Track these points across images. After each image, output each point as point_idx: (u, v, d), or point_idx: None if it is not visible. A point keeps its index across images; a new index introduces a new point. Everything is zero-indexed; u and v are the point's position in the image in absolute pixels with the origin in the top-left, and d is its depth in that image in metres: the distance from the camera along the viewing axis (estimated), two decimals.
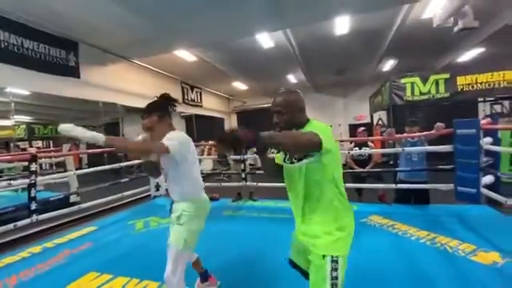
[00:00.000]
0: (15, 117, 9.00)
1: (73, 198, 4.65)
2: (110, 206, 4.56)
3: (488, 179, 3.23)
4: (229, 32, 4.78)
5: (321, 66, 7.67)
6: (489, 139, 3.28)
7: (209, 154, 9.26)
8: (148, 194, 5.01)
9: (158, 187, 4.78)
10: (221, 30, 4.65)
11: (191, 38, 4.99)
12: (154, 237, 3.03)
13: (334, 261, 1.06)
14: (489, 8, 4.43)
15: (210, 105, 10.44)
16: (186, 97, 8.68)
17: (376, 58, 7.10)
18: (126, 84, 6.12)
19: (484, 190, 3.17)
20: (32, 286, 2.13)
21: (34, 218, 2.98)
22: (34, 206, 2.99)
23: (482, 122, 3.29)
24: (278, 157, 1.32)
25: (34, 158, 3.07)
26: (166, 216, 3.17)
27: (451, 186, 3.36)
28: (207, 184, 4.90)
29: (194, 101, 9.24)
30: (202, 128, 10.36)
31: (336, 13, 4.22)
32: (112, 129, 10.33)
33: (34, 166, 3.04)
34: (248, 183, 4.44)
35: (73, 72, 4.81)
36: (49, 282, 2.18)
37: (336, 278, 1.05)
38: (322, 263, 1.07)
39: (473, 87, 5.01)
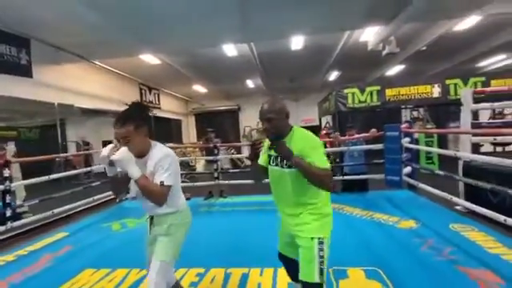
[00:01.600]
0: None
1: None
2: (71, 212, 4.39)
3: (407, 170, 4.26)
4: (197, 41, 5.09)
5: (277, 74, 8.43)
6: (407, 139, 4.32)
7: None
8: (111, 198, 4.90)
9: (127, 190, 4.76)
10: (190, 40, 4.94)
11: (159, 45, 5.15)
12: (140, 234, 3.21)
13: (321, 242, 1.23)
14: (408, 37, 5.69)
15: (168, 106, 10.36)
16: (144, 98, 8.52)
17: (323, 70, 8.16)
18: (83, 85, 5.86)
19: (405, 178, 4.19)
20: (25, 286, 2.19)
21: (9, 225, 2.86)
22: (9, 213, 2.86)
23: (402, 126, 4.33)
24: (265, 159, 1.41)
25: (6, 164, 2.94)
26: (140, 217, 3.36)
27: (383, 175, 4.32)
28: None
29: (152, 103, 9.10)
30: (160, 129, 10.19)
31: (292, 33, 4.95)
32: (48, 132, 9.41)
33: (7, 172, 2.90)
34: (220, 182, 4.81)
35: (25, 71, 4.49)
36: (43, 282, 2.24)
37: (322, 256, 1.22)
38: (311, 244, 1.22)
39: (397, 97, 6.30)
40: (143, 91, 8.55)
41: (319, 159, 1.21)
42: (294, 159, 1.19)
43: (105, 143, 6.77)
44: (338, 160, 5.60)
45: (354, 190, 4.41)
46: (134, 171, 1.23)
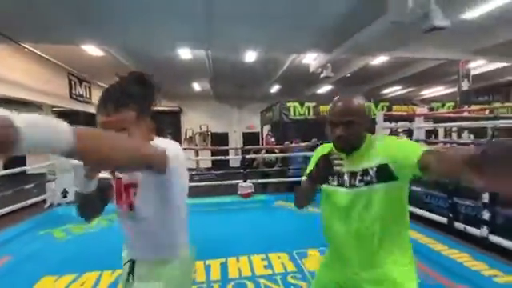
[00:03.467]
0: None
1: None
2: None
3: None
4: (154, 42, 5.00)
5: (227, 80, 8.76)
6: None
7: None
8: (34, 203, 4.23)
9: (65, 193, 4.24)
10: (146, 38, 4.82)
11: (105, 37, 4.81)
12: (95, 238, 3.01)
13: None
14: (339, 64, 6.90)
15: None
16: (73, 91, 7.52)
17: (268, 83, 8.94)
18: (3, 71, 4.89)
19: None
20: None
21: None
22: None
23: None
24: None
25: None
26: (84, 222, 3.10)
27: None
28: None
29: (82, 96, 8.08)
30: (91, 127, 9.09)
31: (248, 48, 5.46)
32: None
33: None
34: None
35: None
36: None
37: None
38: None
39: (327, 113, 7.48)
40: (72, 82, 7.54)
41: (419, 148, 0.82)
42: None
43: None
44: (280, 164, 6.29)
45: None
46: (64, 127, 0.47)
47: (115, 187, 0.89)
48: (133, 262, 0.91)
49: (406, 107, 7.54)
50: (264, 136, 10.59)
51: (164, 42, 5.14)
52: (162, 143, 0.80)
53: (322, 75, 6.04)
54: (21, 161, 7.74)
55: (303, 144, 5.16)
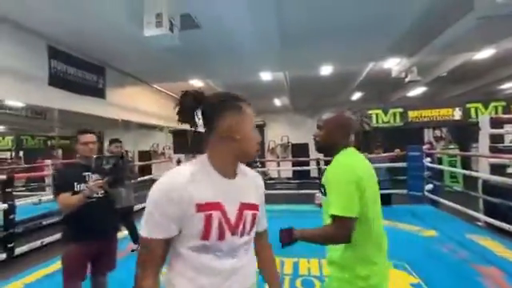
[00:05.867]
0: None
1: None
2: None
3: (429, 186, 4.69)
4: (241, 71, 5.93)
5: (304, 94, 9.14)
6: (429, 159, 4.77)
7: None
8: None
9: None
10: (235, 69, 5.78)
11: (207, 73, 6.03)
12: None
13: None
14: (428, 66, 6.21)
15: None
16: None
17: (348, 91, 8.76)
18: (140, 103, 6.83)
19: (427, 194, 4.62)
20: None
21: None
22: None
23: (424, 147, 4.81)
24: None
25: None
26: None
27: (405, 191, 4.76)
28: None
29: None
30: (194, 141, 11.06)
31: (323, 63, 5.67)
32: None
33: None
34: None
35: (100, 93, 5.47)
36: None
37: None
38: None
39: (419, 119, 6.74)
40: None
41: (334, 200, 0.98)
42: (297, 237, 1.11)
43: (141, 153, 7.60)
44: None
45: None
46: None
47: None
48: None
49: None
50: None
51: (249, 71, 6.01)
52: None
53: (406, 79, 5.61)
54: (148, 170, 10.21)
55: (384, 155, 4.91)
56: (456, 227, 3.62)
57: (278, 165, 10.19)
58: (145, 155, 10.85)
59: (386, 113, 6.84)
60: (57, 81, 4.47)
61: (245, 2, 3.31)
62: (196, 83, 6.92)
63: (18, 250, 3.38)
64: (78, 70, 4.89)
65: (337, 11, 3.58)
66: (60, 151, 9.89)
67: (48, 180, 6.49)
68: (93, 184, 1.67)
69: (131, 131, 9.69)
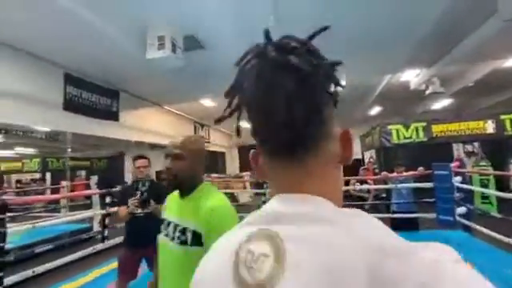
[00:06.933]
0: (20, 149, 9.41)
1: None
2: None
3: (461, 210, 4.14)
4: None
5: None
6: (459, 178, 4.25)
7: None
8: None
9: None
10: None
11: (218, 92, 6.03)
12: None
13: None
14: (452, 76, 5.78)
15: (216, 141, 11.33)
16: (196, 134, 9.56)
17: (365, 105, 8.39)
18: (152, 124, 6.96)
19: (459, 218, 4.06)
20: None
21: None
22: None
23: (453, 165, 4.31)
24: None
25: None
26: None
27: (434, 215, 4.24)
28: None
29: (203, 137, 10.13)
30: (209, 161, 11.10)
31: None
32: (114, 161, 10.93)
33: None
34: None
35: (114, 116, 5.61)
36: None
37: None
38: None
39: (445, 133, 6.19)
40: (197, 128, 9.64)
41: None
42: None
43: (157, 173, 7.62)
44: (384, 195, 5.59)
45: (403, 228, 4.37)
46: None
47: None
48: None
49: None
50: (366, 163, 9.74)
51: None
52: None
53: (427, 92, 5.22)
54: None
55: (407, 173, 4.46)
56: (495, 259, 3.08)
57: None
58: (159, 175, 11.01)
59: (407, 128, 6.35)
60: (72, 105, 4.64)
61: (247, 17, 3.25)
62: (207, 103, 6.96)
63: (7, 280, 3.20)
64: (93, 94, 5.06)
65: (349, 21, 3.40)
66: (83, 172, 10.28)
67: (63, 202, 6.61)
68: (131, 203, 2.22)
69: (149, 151, 9.90)
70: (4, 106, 3.64)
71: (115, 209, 3.19)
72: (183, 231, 0.94)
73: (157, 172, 9.25)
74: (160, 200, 2.31)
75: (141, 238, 2.23)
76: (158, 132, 7.17)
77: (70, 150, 8.24)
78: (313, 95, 0.36)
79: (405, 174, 4.48)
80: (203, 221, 0.92)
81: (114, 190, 5.12)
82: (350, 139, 0.40)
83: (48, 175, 9.60)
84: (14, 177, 10.76)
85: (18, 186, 9.96)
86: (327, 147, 0.38)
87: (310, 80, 0.36)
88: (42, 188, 8.70)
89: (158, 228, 2.16)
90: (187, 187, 1.03)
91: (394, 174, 4.54)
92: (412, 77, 5.49)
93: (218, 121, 0.45)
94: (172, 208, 1.06)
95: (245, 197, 8.72)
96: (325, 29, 0.40)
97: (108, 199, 5.09)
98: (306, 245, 0.30)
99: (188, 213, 0.97)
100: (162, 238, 1.03)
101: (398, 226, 4.44)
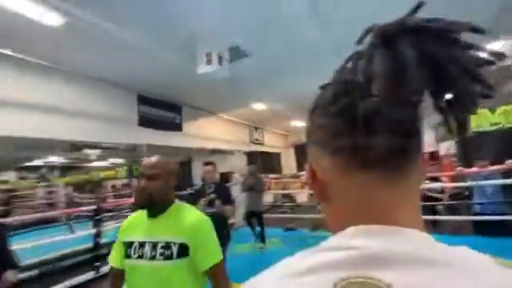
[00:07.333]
0: (111, 160, 11.23)
1: None
2: None
3: None
4: (304, 89, 5.84)
5: None
6: None
7: (269, 188, 10.00)
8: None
9: None
10: (298, 88, 5.75)
11: (266, 97, 6.21)
12: (264, 256, 3.80)
13: None
14: None
15: (270, 142, 11.53)
16: (251, 137, 9.92)
17: None
18: (211, 132, 7.54)
19: None
20: None
21: None
22: None
23: None
24: (120, 251, 1.10)
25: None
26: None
27: None
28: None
29: (257, 140, 10.43)
30: (264, 163, 11.36)
31: None
32: (183, 166, 12.10)
33: None
34: None
35: (178, 127, 6.31)
36: None
37: None
38: None
39: None
40: (251, 131, 10.00)
41: (216, 248, 1.04)
42: None
43: (222, 175, 8.06)
44: (467, 193, 4.79)
45: (489, 233, 3.68)
46: None
47: None
48: None
49: None
50: (442, 156, 8.51)
51: (312, 87, 5.85)
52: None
53: None
54: None
55: (493, 168, 3.73)
56: None
57: None
58: (223, 176, 11.79)
59: (493, 112, 5.29)
60: (144, 121, 5.43)
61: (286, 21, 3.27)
62: (258, 107, 7.17)
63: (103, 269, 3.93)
64: (160, 110, 5.82)
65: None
66: None
67: None
68: (200, 203, 2.58)
69: (211, 156, 10.73)
70: (94, 127, 4.52)
71: None
72: (166, 247, 0.97)
73: (221, 174, 9.96)
74: (224, 200, 2.69)
75: None
76: (216, 138, 7.73)
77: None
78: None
79: (492, 167, 3.75)
80: (188, 233, 0.99)
81: (182, 193, 5.75)
82: (425, 160, 0.33)
83: (134, 180, 11.43)
84: (110, 183, 13.14)
85: (113, 190, 12.06)
86: (419, 164, 0.31)
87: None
88: (129, 192, 10.33)
89: (223, 226, 2.57)
90: (160, 206, 1.05)
91: (474, 169, 3.86)
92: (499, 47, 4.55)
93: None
94: (137, 230, 1.04)
95: (302, 197, 8.62)
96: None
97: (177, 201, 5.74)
98: None
99: (163, 230, 1.00)
100: (131, 262, 1.00)
101: (482, 230, 3.77)
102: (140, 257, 0.98)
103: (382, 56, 0.28)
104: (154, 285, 0.95)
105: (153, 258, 0.97)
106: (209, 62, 3.52)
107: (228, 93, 5.75)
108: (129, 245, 1.01)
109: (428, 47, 0.27)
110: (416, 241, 0.27)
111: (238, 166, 9.10)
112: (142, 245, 1.00)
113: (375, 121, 0.27)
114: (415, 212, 0.30)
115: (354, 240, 0.27)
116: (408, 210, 0.29)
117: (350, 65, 0.33)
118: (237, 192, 5.86)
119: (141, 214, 1.08)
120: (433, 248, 0.27)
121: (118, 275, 1.04)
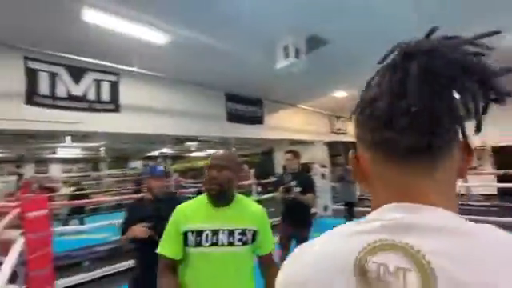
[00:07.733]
0: (208, 151, 12.67)
1: None
2: None
3: None
4: None
5: None
6: None
7: None
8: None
9: (325, 208, 5.63)
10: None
11: (351, 83, 5.88)
12: None
13: None
14: None
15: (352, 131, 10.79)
16: (333, 127, 9.54)
17: None
18: (290, 123, 7.70)
19: None
20: None
21: None
22: None
23: None
24: (179, 243, 1.12)
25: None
26: None
27: None
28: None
29: (340, 129, 9.95)
30: (347, 152, 10.75)
31: None
32: (266, 155, 12.68)
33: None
34: None
35: (259, 120, 6.73)
36: None
37: None
38: None
39: None
40: (332, 120, 9.62)
41: (272, 237, 1.19)
42: None
43: (303, 165, 8.00)
44: None
45: None
46: None
47: None
48: None
49: None
50: None
51: None
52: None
53: None
54: None
55: None
56: None
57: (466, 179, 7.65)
58: (304, 166, 11.83)
59: None
60: (231, 117, 6.06)
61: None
62: (338, 94, 6.87)
63: None
64: (243, 105, 6.36)
65: None
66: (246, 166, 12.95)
67: None
68: (280, 190, 2.77)
69: (291, 147, 10.93)
70: (192, 124, 5.38)
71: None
72: (243, 233, 1.07)
73: (302, 164, 10.02)
74: (305, 188, 2.80)
75: (288, 217, 2.84)
76: (295, 129, 7.86)
77: (234, 149, 10.58)
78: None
79: None
80: (255, 221, 1.11)
81: (264, 181, 6.20)
82: (472, 150, 0.36)
83: None
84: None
85: None
86: (456, 155, 0.35)
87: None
88: None
89: (302, 210, 2.81)
90: (229, 196, 1.12)
91: None
92: None
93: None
94: (203, 219, 1.08)
95: None
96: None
97: (259, 189, 6.24)
98: (455, 261, 0.27)
99: (233, 218, 1.08)
100: (202, 250, 1.04)
101: None
102: (214, 244, 1.04)
103: (396, 71, 0.35)
104: (234, 269, 1.05)
105: (231, 244, 1.05)
106: (286, 55, 3.64)
107: (306, 83, 5.75)
108: (198, 233, 1.04)
109: (432, 65, 0.32)
110: (441, 215, 0.32)
111: (318, 156, 8.97)
112: (215, 233, 1.05)
113: (402, 122, 0.33)
114: (449, 199, 0.34)
115: (387, 214, 0.34)
116: (441, 197, 0.33)
117: (381, 73, 0.40)
118: (319, 182, 5.87)
119: (198, 204, 1.14)
120: (456, 221, 0.31)
121: (172, 266, 1.07)
